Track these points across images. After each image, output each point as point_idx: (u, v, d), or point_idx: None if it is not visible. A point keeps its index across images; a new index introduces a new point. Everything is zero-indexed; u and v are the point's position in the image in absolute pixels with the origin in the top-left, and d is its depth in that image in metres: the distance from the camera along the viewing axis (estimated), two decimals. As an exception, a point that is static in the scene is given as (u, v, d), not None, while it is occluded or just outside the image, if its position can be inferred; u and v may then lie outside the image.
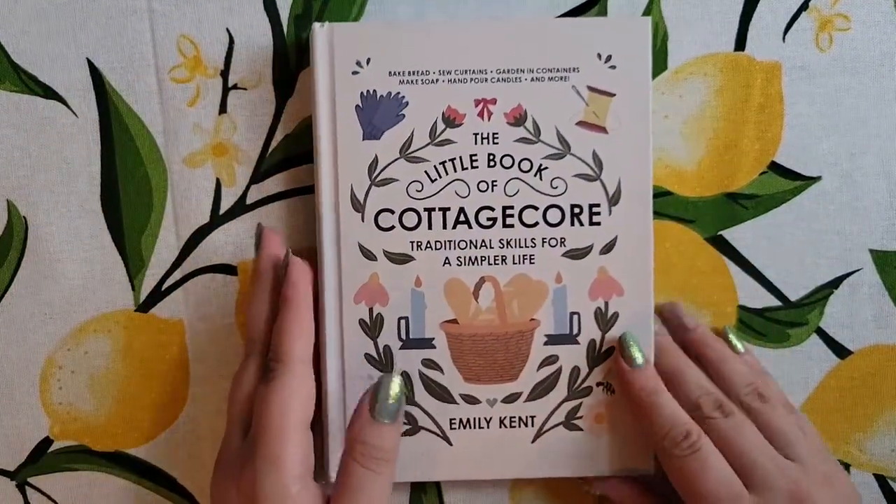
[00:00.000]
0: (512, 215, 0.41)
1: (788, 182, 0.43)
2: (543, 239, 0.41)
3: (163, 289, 0.43)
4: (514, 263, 0.41)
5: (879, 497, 0.45)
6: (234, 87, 0.43)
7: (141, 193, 0.43)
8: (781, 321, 0.44)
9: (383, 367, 0.41)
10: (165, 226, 0.43)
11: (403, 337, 0.41)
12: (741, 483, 0.37)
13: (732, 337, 0.43)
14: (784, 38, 0.43)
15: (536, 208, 0.41)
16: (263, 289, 0.40)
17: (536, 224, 0.41)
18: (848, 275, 0.44)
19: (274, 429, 0.36)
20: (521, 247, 0.41)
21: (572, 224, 0.41)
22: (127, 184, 0.43)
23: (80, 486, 0.44)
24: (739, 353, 0.42)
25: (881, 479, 0.45)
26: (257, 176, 0.43)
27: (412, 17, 0.42)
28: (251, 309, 0.40)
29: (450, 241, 0.41)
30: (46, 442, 0.44)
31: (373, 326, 0.41)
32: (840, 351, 0.44)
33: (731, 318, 0.44)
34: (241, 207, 0.43)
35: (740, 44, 0.43)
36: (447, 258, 0.41)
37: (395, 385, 0.38)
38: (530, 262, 0.41)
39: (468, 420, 0.42)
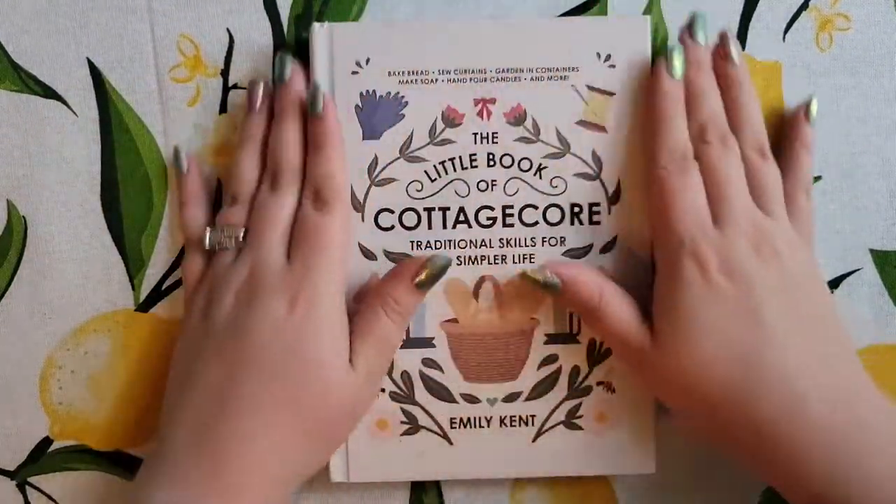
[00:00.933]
0: (512, 215, 0.41)
1: (788, 181, 0.43)
2: (543, 238, 0.41)
3: (163, 288, 0.43)
4: (514, 263, 0.41)
5: (879, 496, 0.45)
6: (235, 86, 0.43)
7: (141, 193, 0.43)
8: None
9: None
10: (165, 225, 0.43)
11: (403, 336, 0.41)
12: (710, 215, 0.38)
13: (814, 106, 0.42)
14: (784, 38, 0.43)
15: (536, 207, 0.41)
16: (293, 120, 0.40)
17: (536, 223, 0.41)
18: (848, 274, 0.44)
19: (336, 258, 0.39)
20: (520, 246, 0.41)
21: (572, 223, 0.41)
22: (127, 183, 0.43)
23: (80, 485, 0.44)
24: (809, 123, 0.42)
25: (881, 478, 0.45)
26: (257, 175, 0.43)
27: (412, 16, 0.42)
28: (280, 139, 0.40)
29: (450, 241, 0.41)
30: (46, 442, 0.44)
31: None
32: (840, 350, 0.44)
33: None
34: (241, 207, 0.43)
35: (740, 43, 0.43)
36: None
37: (444, 265, 0.40)
38: (530, 262, 0.41)
39: (468, 419, 0.42)
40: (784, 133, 0.42)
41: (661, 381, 0.39)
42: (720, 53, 0.41)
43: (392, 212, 0.41)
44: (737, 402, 0.37)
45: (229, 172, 0.42)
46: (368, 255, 0.41)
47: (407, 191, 0.41)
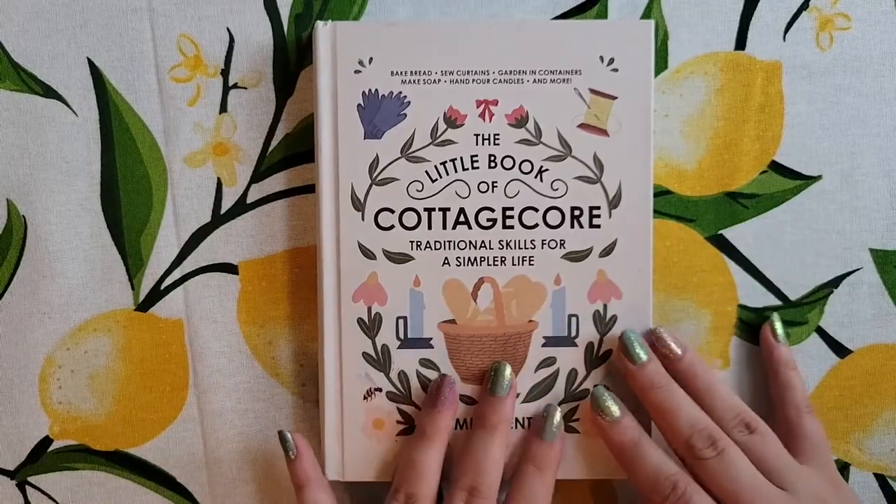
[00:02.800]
0: (512, 216, 0.41)
1: (788, 181, 0.43)
2: (543, 241, 0.41)
3: (162, 288, 0.43)
4: (513, 265, 0.41)
5: (879, 497, 0.45)
6: (235, 86, 0.43)
7: (141, 193, 0.43)
8: (782, 320, 0.44)
9: (381, 367, 0.41)
10: (165, 225, 0.43)
11: (401, 336, 0.41)
12: None
13: (778, 326, 0.43)
14: (784, 38, 0.43)
15: (536, 210, 0.41)
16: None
17: (536, 226, 0.41)
18: (848, 274, 0.44)
19: None
20: (520, 248, 0.41)
21: (572, 226, 0.41)
22: (127, 183, 0.43)
23: (79, 485, 0.44)
24: (779, 343, 0.43)
25: (881, 479, 0.45)
26: (258, 175, 0.43)
27: (412, 16, 0.42)
28: None
29: (449, 242, 0.41)
30: (46, 441, 0.44)
31: (371, 325, 0.41)
32: (840, 350, 0.44)
33: (731, 317, 0.44)
34: (241, 207, 0.43)
35: (741, 43, 0.43)
36: (446, 258, 0.41)
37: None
38: (529, 264, 0.41)
39: (465, 420, 0.42)
40: (766, 360, 0.43)
41: None
42: (662, 353, 0.41)
43: (392, 211, 0.41)
44: None
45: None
46: (368, 254, 0.41)
47: (407, 191, 0.41)
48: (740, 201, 0.43)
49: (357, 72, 0.40)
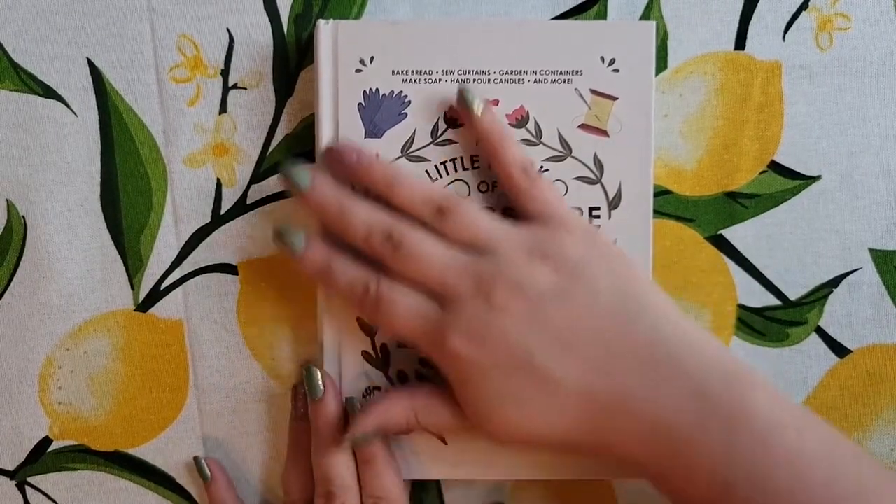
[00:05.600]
0: (513, 216, 0.41)
1: (788, 181, 0.43)
2: None
3: (162, 288, 0.43)
4: None
5: (879, 496, 0.45)
6: (235, 86, 0.43)
7: (140, 193, 0.43)
8: (781, 320, 0.44)
9: (380, 366, 0.41)
10: (165, 225, 0.43)
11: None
12: (435, 307, 0.37)
13: (469, 97, 0.39)
14: (784, 38, 0.43)
15: None
16: (335, 442, 0.40)
17: None
18: (847, 274, 0.44)
19: None
20: None
21: None
22: (126, 183, 0.43)
23: (79, 485, 0.44)
24: (473, 114, 0.39)
25: (881, 478, 0.45)
26: (258, 176, 0.43)
27: (412, 16, 0.42)
28: (328, 462, 0.40)
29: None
30: (46, 441, 0.44)
31: (371, 326, 0.41)
32: (839, 350, 0.44)
33: (731, 317, 0.44)
34: (241, 207, 0.43)
35: (740, 43, 0.43)
36: None
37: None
38: None
39: None
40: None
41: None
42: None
43: None
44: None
45: (282, 480, 0.43)
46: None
47: None
48: (740, 201, 0.44)
49: (358, 71, 0.40)
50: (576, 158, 0.41)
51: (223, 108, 0.43)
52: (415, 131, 0.41)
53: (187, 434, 0.44)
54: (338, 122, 0.40)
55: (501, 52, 0.40)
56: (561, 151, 0.41)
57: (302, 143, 0.43)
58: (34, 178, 0.42)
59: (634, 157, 0.41)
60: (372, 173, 0.38)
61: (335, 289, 0.38)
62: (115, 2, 0.42)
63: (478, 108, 0.39)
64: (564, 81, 0.41)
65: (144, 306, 0.43)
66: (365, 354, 0.41)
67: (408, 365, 0.41)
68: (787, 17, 0.43)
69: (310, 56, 0.42)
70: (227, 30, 0.42)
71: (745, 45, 0.43)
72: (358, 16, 0.43)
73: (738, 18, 0.43)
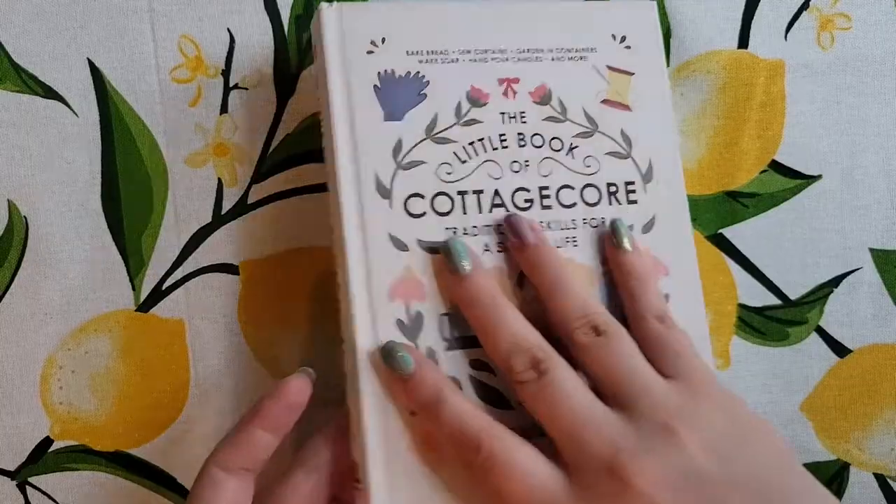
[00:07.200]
0: (549, 196, 0.39)
1: (789, 181, 0.43)
2: (584, 220, 0.39)
3: (163, 288, 0.43)
4: (556, 247, 0.38)
5: (879, 497, 0.45)
6: (235, 86, 0.43)
7: (141, 193, 0.43)
8: (781, 320, 0.44)
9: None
10: (166, 226, 0.43)
11: (447, 336, 0.37)
12: (559, 478, 0.32)
13: (621, 230, 0.38)
14: (786, 37, 0.43)
15: (573, 188, 0.39)
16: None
17: (574, 205, 0.39)
18: (848, 273, 0.44)
19: None
20: (562, 229, 0.38)
21: (610, 203, 0.39)
22: (127, 184, 0.43)
23: (80, 485, 0.44)
24: (621, 249, 0.38)
25: (881, 479, 0.45)
26: (258, 176, 0.43)
27: None
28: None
29: (487, 226, 0.38)
30: (47, 442, 0.44)
31: (412, 326, 0.36)
32: (839, 349, 0.44)
33: (731, 317, 0.44)
34: (242, 207, 0.43)
35: (743, 41, 0.43)
36: (486, 244, 0.38)
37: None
38: (574, 245, 0.38)
39: (532, 427, 0.35)
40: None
41: None
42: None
43: (422, 196, 0.38)
44: None
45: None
46: (400, 245, 0.37)
47: (437, 174, 0.38)
48: (740, 200, 0.44)
49: (370, 52, 0.38)
50: (603, 134, 0.39)
51: (224, 109, 0.43)
52: (437, 112, 0.38)
53: (188, 434, 0.44)
54: (352, 106, 0.38)
55: (515, 30, 0.39)
56: (588, 127, 0.39)
57: (303, 143, 0.43)
58: (35, 178, 0.42)
59: (659, 131, 0.40)
60: (541, 258, 0.36)
61: (440, 428, 0.34)
62: (116, 2, 0.42)
63: (628, 242, 0.37)
64: (581, 59, 0.40)
65: (145, 306, 0.43)
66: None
67: (461, 371, 0.37)
68: (789, 17, 0.43)
69: (310, 57, 0.42)
70: (228, 30, 0.43)
71: (747, 44, 0.43)
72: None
73: (740, 17, 0.43)
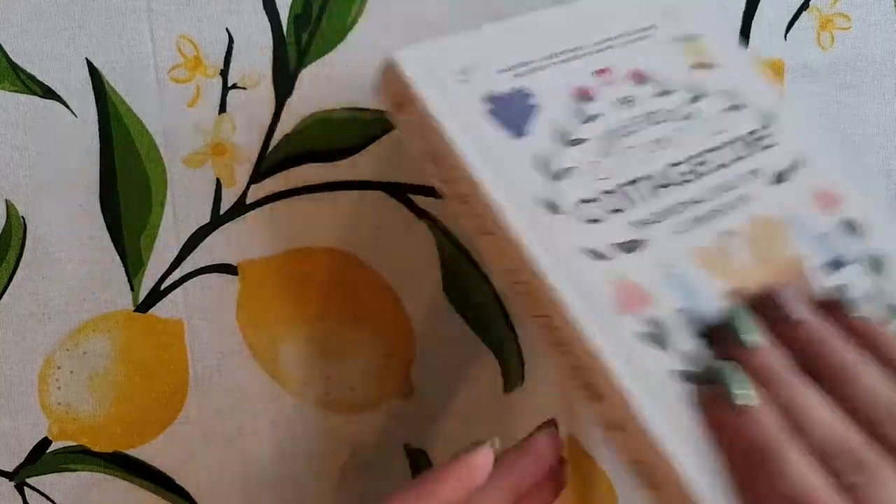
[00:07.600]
0: (703, 163, 0.38)
1: (789, 181, 0.43)
2: (744, 175, 0.38)
3: (162, 289, 0.43)
4: (734, 209, 0.37)
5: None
6: (234, 86, 0.43)
7: (140, 193, 0.43)
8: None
9: (707, 377, 0.32)
10: (165, 226, 0.43)
11: (699, 329, 0.33)
12: None
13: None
14: (786, 37, 0.43)
15: (719, 148, 0.38)
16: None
17: (730, 163, 0.38)
18: (848, 274, 0.44)
19: None
20: (730, 189, 0.37)
21: (754, 152, 0.39)
22: (126, 184, 0.43)
23: (78, 486, 0.44)
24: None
25: None
26: (257, 176, 0.43)
27: (413, 15, 0.42)
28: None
29: (666, 210, 0.36)
30: (45, 442, 0.44)
31: (660, 335, 0.33)
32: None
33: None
34: (241, 207, 0.43)
35: (744, 41, 0.43)
36: (674, 227, 0.36)
37: None
38: (749, 202, 0.37)
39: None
40: None
41: None
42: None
43: (591, 201, 0.36)
44: None
45: None
46: (597, 255, 0.34)
47: (590, 174, 0.36)
48: (740, 201, 0.44)
49: (463, 81, 0.36)
50: (710, 95, 0.39)
51: (223, 108, 0.43)
52: (555, 118, 0.37)
53: (187, 434, 0.44)
54: (477, 138, 0.35)
55: (577, 29, 0.39)
56: (697, 93, 0.39)
57: (302, 143, 0.43)
58: (33, 178, 0.42)
59: (751, 78, 0.40)
60: (830, 347, 0.30)
61: (773, 481, 0.28)
62: (115, 2, 0.42)
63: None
64: (648, 38, 0.40)
65: (144, 307, 0.43)
66: (679, 374, 0.32)
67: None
68: (789, 17, 0.43)
69: (310, 57, 0.42)
70: (227, 30, 0.42)
71: (748, 43, 0.43)
72: (358, 15, 0.42)
73: (741, 15, 0.43)
